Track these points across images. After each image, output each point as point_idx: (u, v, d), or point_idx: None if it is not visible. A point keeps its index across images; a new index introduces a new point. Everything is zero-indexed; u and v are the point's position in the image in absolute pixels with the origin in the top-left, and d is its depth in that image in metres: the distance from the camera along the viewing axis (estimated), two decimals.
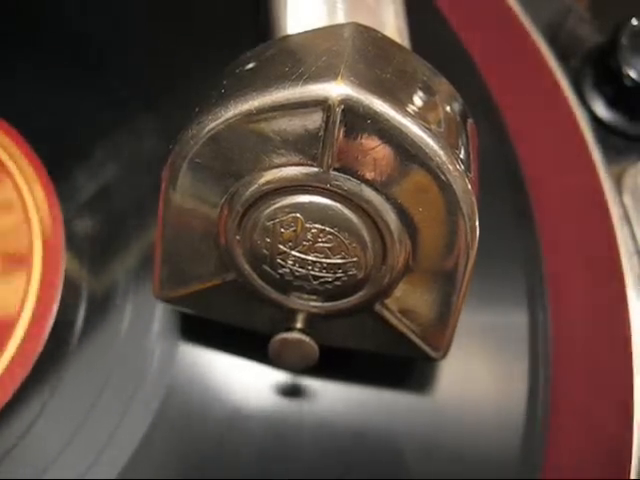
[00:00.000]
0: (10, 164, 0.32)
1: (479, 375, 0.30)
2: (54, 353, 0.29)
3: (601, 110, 0.37)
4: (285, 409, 0.29)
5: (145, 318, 0.30)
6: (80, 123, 0.34)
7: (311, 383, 0.29)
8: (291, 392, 0.29)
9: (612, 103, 0.37)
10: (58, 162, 0.33)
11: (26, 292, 0.30)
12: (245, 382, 0.29)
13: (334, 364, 0.29)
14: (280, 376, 0.29)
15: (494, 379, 0.30)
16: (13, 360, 0.29)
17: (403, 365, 0.30)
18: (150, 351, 0.29)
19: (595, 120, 0.37)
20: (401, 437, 0.29)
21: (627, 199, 0.34)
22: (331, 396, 0.29)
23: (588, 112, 0.37)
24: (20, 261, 0.30)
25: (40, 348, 0.29)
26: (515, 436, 0.29)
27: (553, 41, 0.37)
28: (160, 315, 0.30)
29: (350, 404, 0.29)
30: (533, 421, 0.29)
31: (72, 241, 0.31)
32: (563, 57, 0.37)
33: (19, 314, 0.29)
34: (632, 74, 0.35)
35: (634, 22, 0.35)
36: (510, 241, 0.33)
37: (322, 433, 0.28)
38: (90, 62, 0.35)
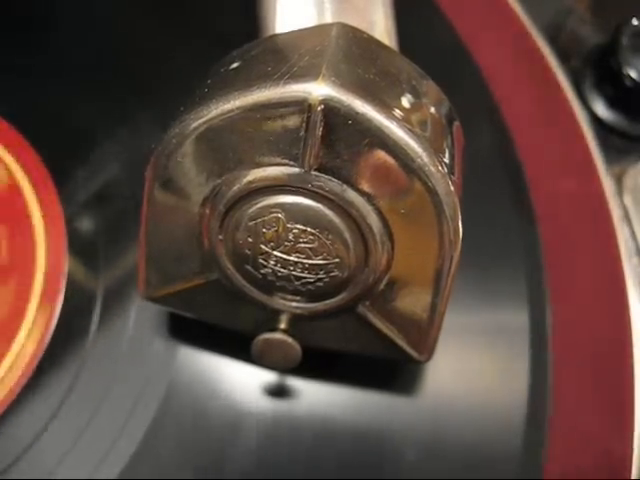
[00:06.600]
0: (10, 164, 0.33)
1: (479, 375, 0.30)
2: (56, 355, 0.29)
3: (601, 110, 0.37)
4: (284, 409, 0.29)
5: (145, 318, 0.30)
6: (80, 123, 0.34)
7: (311, 384, 0.29)
8: (291, 393, 0.29)
9: (612, 103, 0.36)
10: (58, 162, 0.33)
11: (29, 292, 0.30)
12: (245, 382, 0.29)
13: (335, 364, 0.29)
14: (280, 377, 0.29)
15: (494, 379, 0.30)
16: (16, 361, 0.29)
17: (402, 365, 0.30)
18: (151, 351, 0.30)
19: (595, 120, 0.36)
20: (401, 437, 0.29)
21: (627, 199, 0.34)
22: (332, 396, 0.29)
23: (588, 112, 0.36)
24: (22, 261, 0.31)
25: (42, 349, 0.29)
26: (515, 436, 0.29)
27: (553, 41, 0.37)
28: (161, 315, 0.30)
29: (350, 405, 0.29)
30: (533, 421, 0.29)
31: (74, 241, 0.31)
32: (563, 57, 0.37)
33: (22, 315, 0.30)
34: (632, 74, 0.35)
35: (634, 22, 0.35)
36: (510, 241, 0.33)
37: (323, 433, 0.28)
38: (90, 62, 0.35)
